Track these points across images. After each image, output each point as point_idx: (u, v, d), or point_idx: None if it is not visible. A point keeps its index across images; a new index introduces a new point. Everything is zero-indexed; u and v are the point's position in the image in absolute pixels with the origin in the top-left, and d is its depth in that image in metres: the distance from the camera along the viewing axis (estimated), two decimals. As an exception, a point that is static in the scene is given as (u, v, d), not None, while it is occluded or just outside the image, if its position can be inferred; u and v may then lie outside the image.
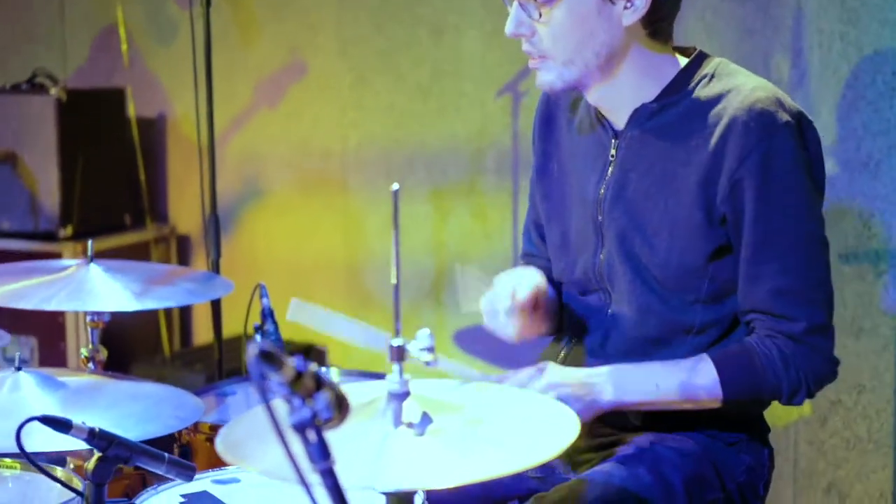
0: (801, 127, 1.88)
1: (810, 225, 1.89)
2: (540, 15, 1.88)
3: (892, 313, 2.88)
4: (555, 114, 2.14)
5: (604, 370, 1.93)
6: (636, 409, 1.94)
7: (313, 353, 4.46)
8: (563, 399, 1.81)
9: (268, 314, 2.60)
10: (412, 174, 4.24)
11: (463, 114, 4.11)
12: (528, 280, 1.97)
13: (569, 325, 2.11)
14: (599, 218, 2.00)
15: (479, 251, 4.13)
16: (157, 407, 2.04)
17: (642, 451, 1.94)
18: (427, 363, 1.49)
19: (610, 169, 1.99)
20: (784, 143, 1.85)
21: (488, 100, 4.02)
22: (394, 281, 1.52)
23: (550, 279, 2.20)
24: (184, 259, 4.74)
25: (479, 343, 4.18)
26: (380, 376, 2.63)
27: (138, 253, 4.43)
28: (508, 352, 4.09)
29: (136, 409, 1.98)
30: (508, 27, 1.92)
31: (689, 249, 1.91)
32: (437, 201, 4.21)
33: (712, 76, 1.93)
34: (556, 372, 1.92)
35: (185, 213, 4.69)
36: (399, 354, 1.46)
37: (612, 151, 1.99)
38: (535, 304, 1.95)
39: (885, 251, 2.89)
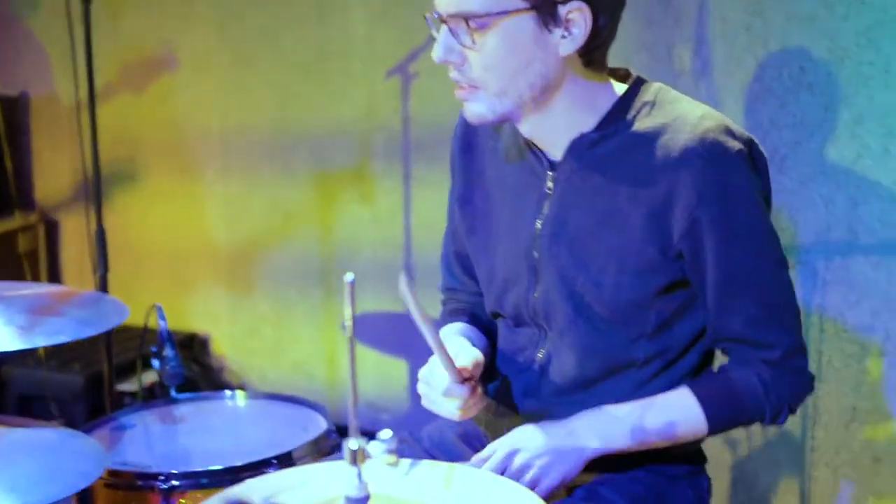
0: (753, 153, 1.80)
1: (772, 251, 1.82)
2: (473, 41, 1.74)
3: (801, 306, 2.84)
4: (475, 139, 2.01)
5: (584, 419, 1.84)
6: (617, 453, 1.84)
7: (196, 341, 4.31)
8: (545, 469, 1.75)
9: (166, 338, 2.44)
10: (296, 157, 4.08)
11: (350, 95, 3.95)
12: (465, 356, 1.85)
13: (500, 360, 2.01)
14: (535, 254, 1.89)
15: (370, 238, 4.00)
16: (56, 461, 1.87)
17: (588, 495, 1.85)
18: (389, 465, 1.36)
19: (547, 203, 1.88)
20: (740, 174, 1.77)
21: (377, 81, 3.87)
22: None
23: (476, 314, 2.09)
24: (52, 247, 4.52)
25: (373, 332, 4.06)
26: (292, 399, 2.56)
27: (4, 243, 4.20)
28: (403, 341, 4.00)
29: (30, 468, 1.81)
30: (437, 53, 1.78)
31: (639, 285, 1.81)
32: (324, 186, 4.06)
33: (653, 104, 1.82)
34: (529, 439, 1.81)
35: (53, 198, 4.46)
36: (358, 457, 1.32)
37: (549, 184, 1.88)
38: (474, 386, 1.83)
39: (793, 246, 2.86)
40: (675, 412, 1.83)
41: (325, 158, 4.03)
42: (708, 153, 1.74)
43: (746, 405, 1.84)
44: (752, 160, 1.79)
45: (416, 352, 3.91)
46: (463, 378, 1.80)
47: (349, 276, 1.31)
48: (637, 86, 1.85)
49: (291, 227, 4.15)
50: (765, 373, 1.84)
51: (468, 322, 2.07)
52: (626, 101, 1.83)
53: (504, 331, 2.02)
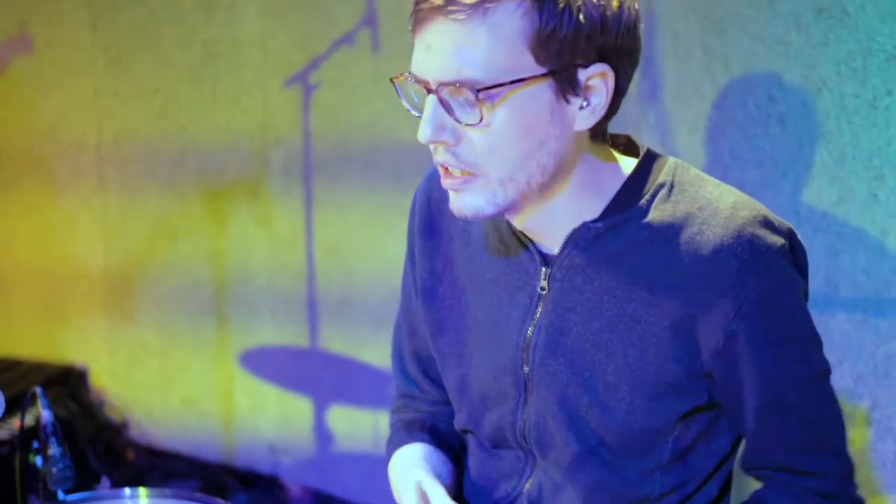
0: (794, 247, 1.47)
1: (818, 363, 1.51)
2: (481, 118, 1.37)
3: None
4: (440, 222, 1.63)
5: None
6: None
7: (72, 374, 3.90)
8: None
9: (51, 431, 2.01)
10: (182, 172, 3.67)
11: (242, 104, 3.55)
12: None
13: (473, 491, 1.65)
14: (525, 369, 1.53)
15: (266, 263, 3.61)
16: None
17: None
18: None
19: (540, 307, 1.51)
20: (784, 276, 1.44)
21: (272, 90, 3.47)
22: None
23: (438, 428, 1.73)
24: None
25: (266, 363, 3.69)
26: (205, 500, 2.19)
27: None
28: (301, 373, 3.63)
29: None
30: (424, 132, 1.38)
31: (658, 411, 1.47)
32: (214, 204, 3.65)
33: (671, 186, 1.47)
34: None
35: None
36: None
37: (543, 283, 1.51)
38: None
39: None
40: None
41: (215, 174, 3.63)
42: (747, 253, 1.40)
43: None
44: (793, 255, 1.46)
45: (320, 389, 3.54)
46: None
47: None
48: (649, 162, 1.49)
49: (178, 249, 3.74)
50: None
51: (429, 441, 1.70)
52: (636, 183, 1.47)
53: (479, 453, 1.66)
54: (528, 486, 1.58)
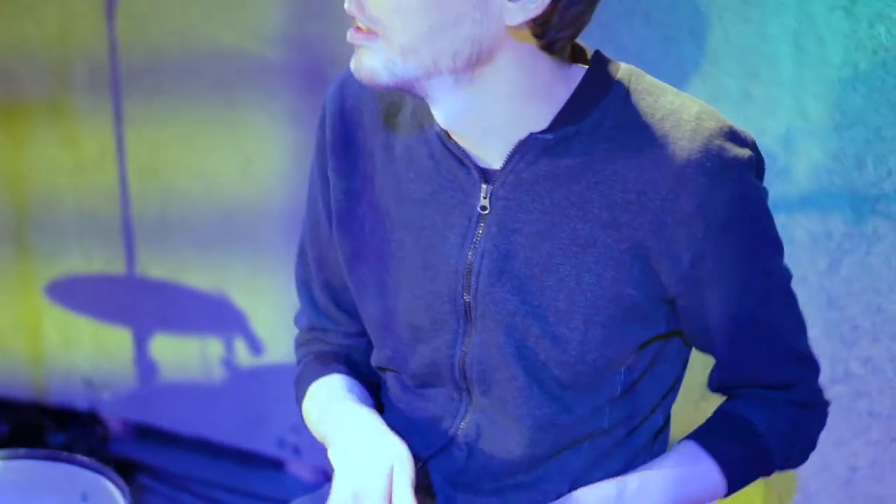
0: (758, 158, 1.39)
1: (786, 269, 1.44)
2: None
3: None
4: (357, 135, 1.47)
5: None
6: None
7: None
8: None
9: None
10: (-32, 87, 3.33)
11: (36, 12, 3.23)
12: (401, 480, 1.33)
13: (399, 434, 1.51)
14: (465, 297, 1.39)
15: (73, 187, 3.33)
16: None
17: None
18: None
19: (481, 228, 1.38)
20: (752, 191, 1.36)
21: (70, -4, 3.18)
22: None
23: (355, 362, 1.58)
24: None
25: (78, 294, 3.43)
26: (60, 457, 1.96)
27: None
28: (118, 302, 3.39)
29: None
30: None
31: (614, 341, 1.37)
32: (10, 124, 3.34)
33: (627, 94, 1.35)
34: None
35: None
36: None
37: (483, 202, 1.37)
38: None
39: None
40: (688, 485, 1.42)
41: (8, 90, 3.30)
42: (716, 168, 1.31)
43: (772, 457, 1.46)
44: (758, 165, 1.38)
45: (141, 318, 3.32)
46: None
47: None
48: (601, 68, 1.37)
49: (-31, 174, 3.42)
50: (795, 415, 1.47)
51: (346, 373, 1.56)
52: (588, 90, 1.35)
53: (401, 394, 1.52)
54: (462, 426, 1.46)
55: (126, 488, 1.84)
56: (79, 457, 1.96)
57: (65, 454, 1.97)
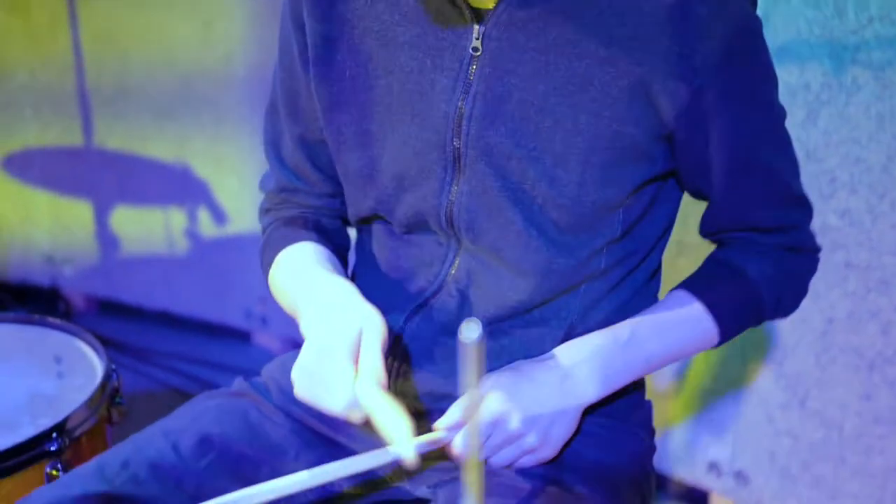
0: None
1: (780, 106, 1.40)
2: None
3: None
4: None
5: (574, 357, 1.37)
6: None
7: None
8: (544, 436, 1.33)
9: None
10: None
11: None
12: (370, 344, 1.29)
13: (384, 285, 1.47)
14: (456, 142, 1.35)
15: (24, 56, 3.24)
16: None
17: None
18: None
19: (473, 68, 1.33)
20: (750, 21, 1.30)
21: None
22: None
23: (324, 228, 1.54)
24: None
25: (34, 167, 3.36)
26: (22, 319, 1.90)
27: None
28: (76, 175, 3.31)
29: None
30: None
31: (612, 182, 1.32)
32: (-45, -8, 3.22)
33: None
34: (513, 395, 1.33)
35: None
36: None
37: (476, 42, 1.32)
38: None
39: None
40: (680, 332, 1.41)
41: (-48, -44, 3.19)
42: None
43: (764, 304, 1.43)
44: None
45: (100, 190, 3.25)
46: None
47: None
48: None
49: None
50: (786, 260, 1.44)
51: (317, 240, 1.51)
52: None
53: (388, 241, 1.47)
54: (452, 272, 1.43)
55: (101, 348, 1.80)
56: (51, 319, 1.91)
57: (36, 317, 1.93)
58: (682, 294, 1.42)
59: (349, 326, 1.26)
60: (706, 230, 1.45)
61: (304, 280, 1.42)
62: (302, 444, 1.48)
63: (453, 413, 1.33)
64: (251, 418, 1.49)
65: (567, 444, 1.39)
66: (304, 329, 1.31)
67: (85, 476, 1.39)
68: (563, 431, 1.35)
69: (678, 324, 1.41)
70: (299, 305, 1.38)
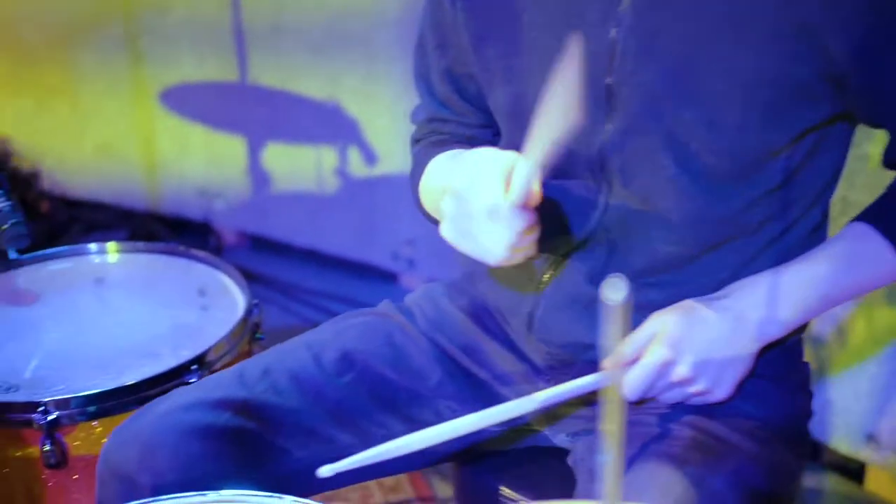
0: None
1: None
2: None
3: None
4: None
5: (747, 296, 1.31)
6: None
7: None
8: (716, 379, 1.29)
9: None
10: None
11: None
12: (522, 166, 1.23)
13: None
14: (608, 79, 1.29)
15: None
16: None
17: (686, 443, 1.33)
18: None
19: (625, 2, 1.27)
20: None
21: None
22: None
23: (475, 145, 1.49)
24: None
25: (191, 102, 3.39)
26: (174, 251, 1.92)
27: None
28: (230, 110, 3.34)
29: None
30: None
31: (776, 124, 1.25)
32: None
33: None
34: (686, 337, 1.28)
35: None
36: None
37: None
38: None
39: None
40: (860, 263, 1.33)
41: None
42: None
43: None
44: None
45: (253, 126, 3.27)
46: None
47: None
48: None
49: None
50: None
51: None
52: None
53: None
54: (603, 219, 1.37)
55: (244, 282, 1.80)
56: (196, 251, 1.92)
57: (182, 248, 1.94)
58: (861, 226, 1.33)
59: (502, 155, 1.22)
60: (889, 159, 1.35)
61: (450, 163, 1.40)
62: (444, 373, 1.46)
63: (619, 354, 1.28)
64: (395, 340, 1.47)
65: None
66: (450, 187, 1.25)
67: (225, 381, 1.39)
68: (736, 374, 1.30)
69: (855, 260, 1.32)
70: (444, 185, 1.34)
